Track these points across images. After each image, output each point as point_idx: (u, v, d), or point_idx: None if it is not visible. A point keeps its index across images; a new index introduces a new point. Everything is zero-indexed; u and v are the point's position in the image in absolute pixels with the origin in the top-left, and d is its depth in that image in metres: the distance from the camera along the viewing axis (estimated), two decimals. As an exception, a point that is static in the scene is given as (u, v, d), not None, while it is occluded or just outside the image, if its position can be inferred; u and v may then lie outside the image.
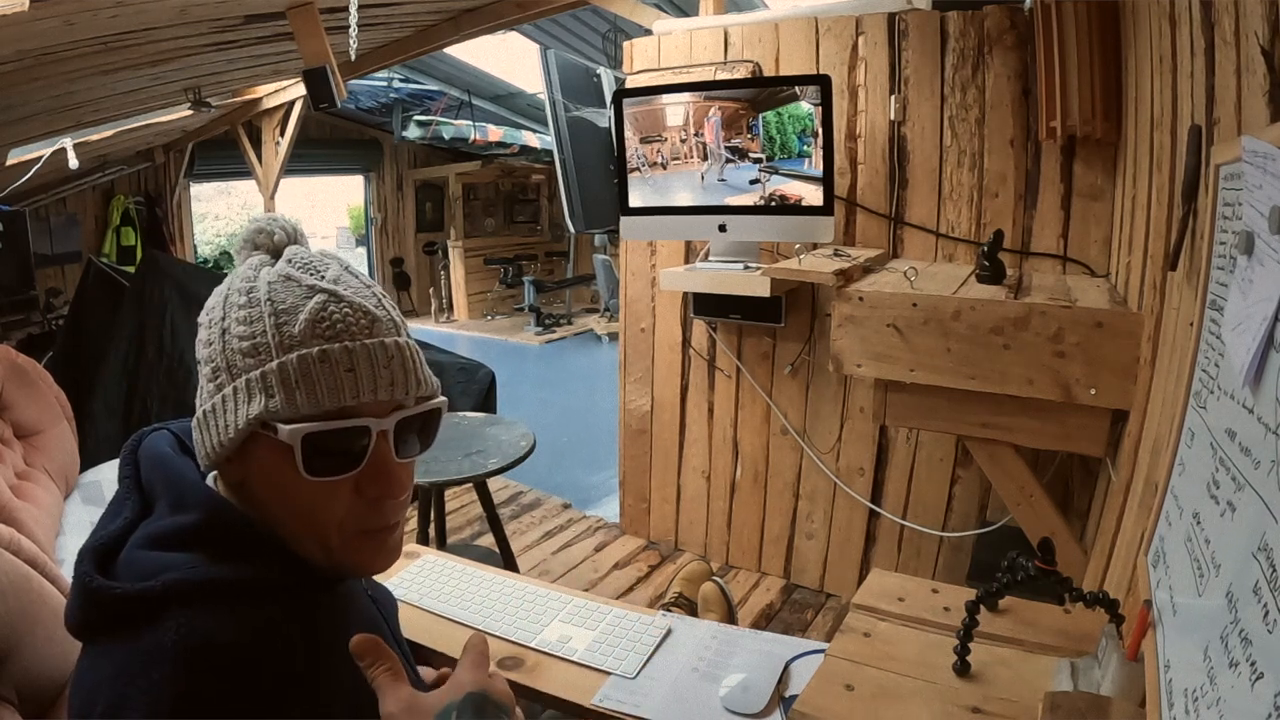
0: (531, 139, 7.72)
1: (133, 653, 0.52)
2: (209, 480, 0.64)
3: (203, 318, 0.61)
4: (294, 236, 0.65)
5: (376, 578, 0.79)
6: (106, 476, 2.11)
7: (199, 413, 0.60)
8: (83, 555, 0.57)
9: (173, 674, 0.50)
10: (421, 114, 7.17)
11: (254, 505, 0.60)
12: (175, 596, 0.53)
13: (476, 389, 3.27)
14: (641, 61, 2.54)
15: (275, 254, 0.63)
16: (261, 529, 0.59)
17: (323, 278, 0.60)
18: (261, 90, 4.97)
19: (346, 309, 0.58)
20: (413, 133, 7.12)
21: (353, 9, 2.34)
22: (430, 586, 1.17)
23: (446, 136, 7.08)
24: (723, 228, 2.20)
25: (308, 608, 0.59)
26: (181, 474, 0.61)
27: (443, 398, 0.64)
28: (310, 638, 0.57)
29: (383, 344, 0.59)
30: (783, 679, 0.96)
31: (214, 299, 0.61)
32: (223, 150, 6.51)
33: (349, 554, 0.61)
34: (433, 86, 6.88)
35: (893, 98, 2.14)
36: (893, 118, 2.15)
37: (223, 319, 0.59)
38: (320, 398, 0.56)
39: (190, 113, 4.32)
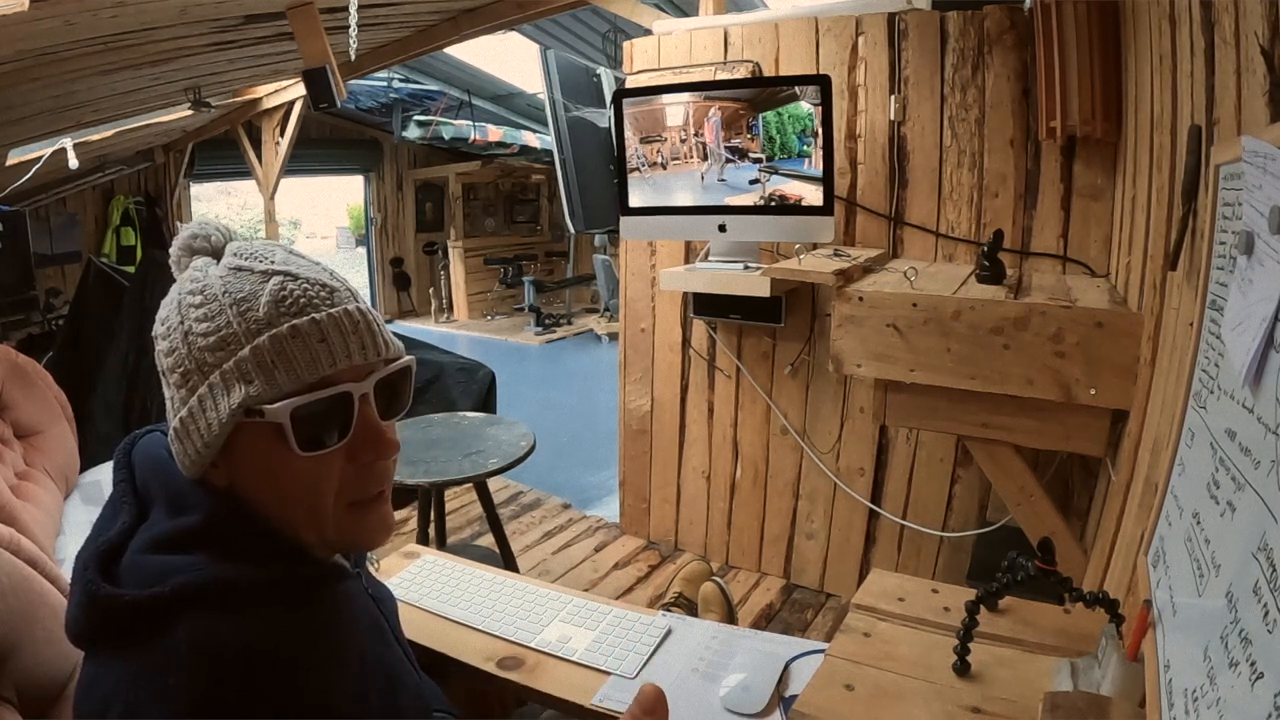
0: (531, 139, 7.71)
1: (145, 658, 0.52)
2: None
3: (158, 329, 0.61)
4: (230, 235, 0.65)
5: (379, 578, 0.79)
6: (106, 477, 2.10)
7: (175, 423, 0.59)
8: (86, 563, 0.56)
9: (188, 678, 0.50)
10: (421, 114, 7.16)
11: (245, 505, 0.60)
12: (185, 600, 0.53)
13: (476, 389, 3.27)
14: (641, 61, 2.54)
15: (216, 255, 0.63)
16: (260, 525, 0.59)
17: (272, 263, 0.60)
18: (261, 90, 4.96)
19: (305, 284, 0.59)
20: (413, 133, 7.11)
21: (353, 9, 2.34)
22: (430, 586, 1.16)
23: (446, 136, 7.07)
24: (723, 228, 2.20)
25: (311, 606, 0.59)
26: (178, 476, 0.61)
27: (410, 356, 0.65)
28: (315, 637, 0.58)
29: (346, 311, 0.60)
30: (783, 679, 0.96)
31: (165, 310, 0.61)
32: (223, 150, 6.51)
33: (346, 529, 0.61)
34: (433, 86, 6.88)
35: (893, 98, 2.14)
36: (893, 118, 2.15)
37: (181, 323, 0.59)
38: (299, 371, 0.57)
39: (190, 113, 4.31)
